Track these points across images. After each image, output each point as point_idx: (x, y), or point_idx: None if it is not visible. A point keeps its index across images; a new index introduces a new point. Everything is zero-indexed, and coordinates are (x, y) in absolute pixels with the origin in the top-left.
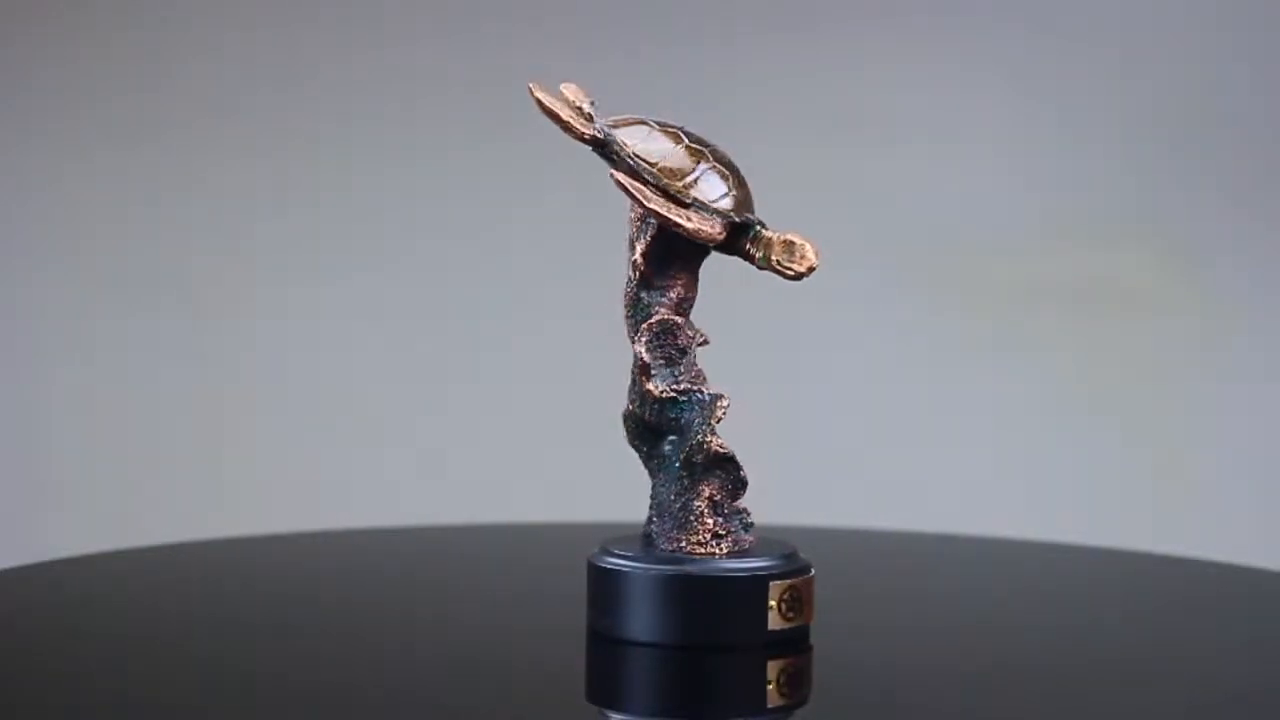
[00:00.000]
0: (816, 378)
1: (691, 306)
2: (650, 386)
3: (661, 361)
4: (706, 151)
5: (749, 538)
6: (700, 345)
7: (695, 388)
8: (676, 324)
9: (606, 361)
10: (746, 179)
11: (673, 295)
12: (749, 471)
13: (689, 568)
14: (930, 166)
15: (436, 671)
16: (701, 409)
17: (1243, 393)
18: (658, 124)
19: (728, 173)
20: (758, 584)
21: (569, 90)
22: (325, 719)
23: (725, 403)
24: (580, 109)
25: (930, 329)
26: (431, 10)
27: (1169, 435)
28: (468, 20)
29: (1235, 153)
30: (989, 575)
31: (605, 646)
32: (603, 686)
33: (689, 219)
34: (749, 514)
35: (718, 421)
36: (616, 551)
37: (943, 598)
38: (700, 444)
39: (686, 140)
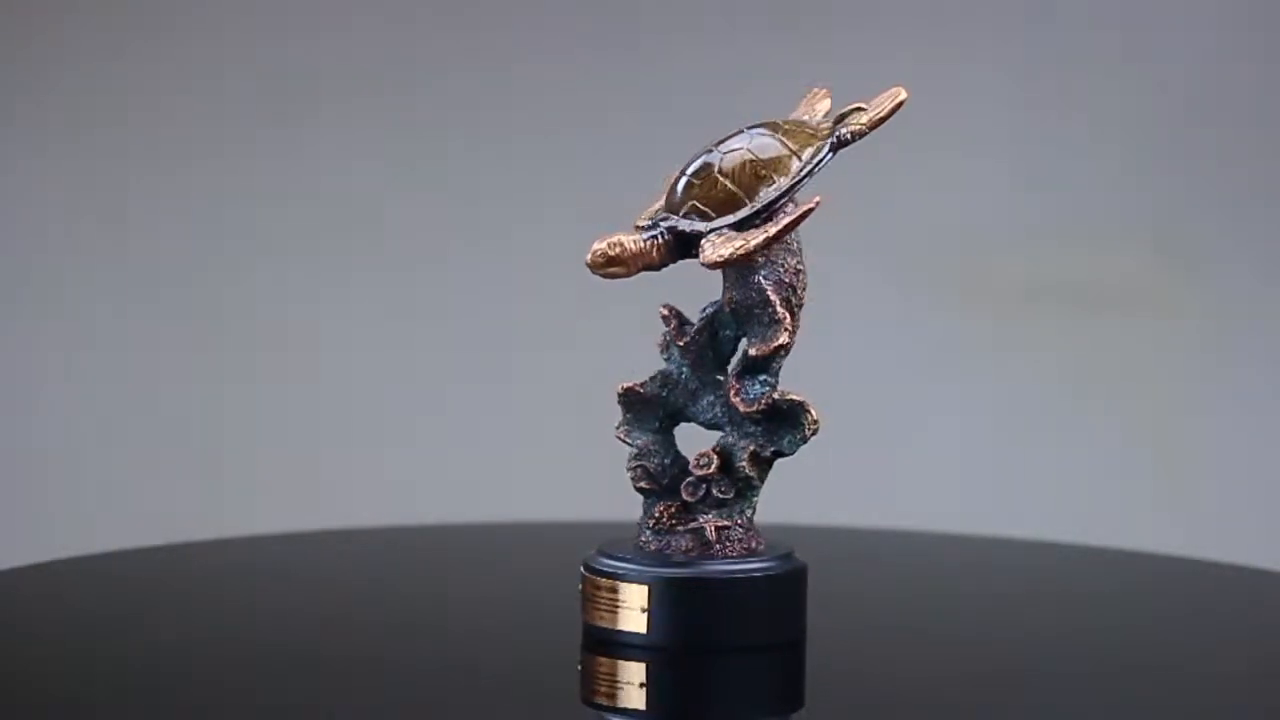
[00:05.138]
0: (815, 377)
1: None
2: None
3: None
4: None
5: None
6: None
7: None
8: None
9: (609, 360)
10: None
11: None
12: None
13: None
14: (930, 166)
15: (433, 672)
16: None
17: (1242, 393)
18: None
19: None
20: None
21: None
22: (323, 718)
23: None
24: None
25: (930, 329)
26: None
27: (1169, 435)
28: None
29: (1235, 153)
30: (989, 575)
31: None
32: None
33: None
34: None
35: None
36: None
37: (942, 598)
38: None
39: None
